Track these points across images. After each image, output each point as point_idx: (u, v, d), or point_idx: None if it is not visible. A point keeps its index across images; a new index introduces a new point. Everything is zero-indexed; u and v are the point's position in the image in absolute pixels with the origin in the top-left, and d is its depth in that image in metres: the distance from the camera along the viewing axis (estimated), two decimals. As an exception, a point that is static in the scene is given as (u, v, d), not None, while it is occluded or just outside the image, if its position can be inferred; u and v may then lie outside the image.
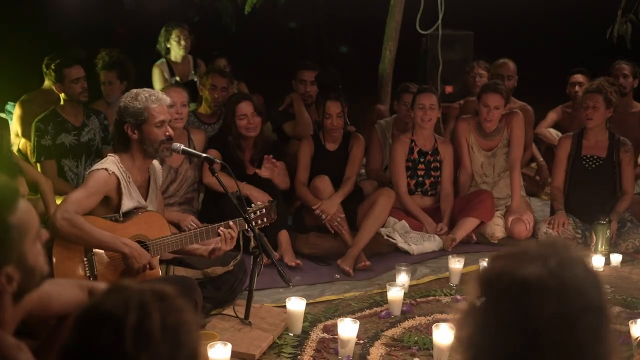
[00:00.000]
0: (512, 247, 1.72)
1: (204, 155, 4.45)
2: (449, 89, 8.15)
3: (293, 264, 5.50)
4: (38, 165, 5.96)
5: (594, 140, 6.22)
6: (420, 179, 6.35)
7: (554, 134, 7.71)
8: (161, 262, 4.33)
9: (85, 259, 3.97)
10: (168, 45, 7.82)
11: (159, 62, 7.83)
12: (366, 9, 9.88)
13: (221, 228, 4.26)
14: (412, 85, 6.93)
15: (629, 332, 4.16)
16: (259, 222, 4.46)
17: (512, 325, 1.56)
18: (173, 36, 7.79)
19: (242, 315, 4.37)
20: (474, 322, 1.62)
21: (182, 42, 7.80)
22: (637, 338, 4.09)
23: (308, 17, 12.51)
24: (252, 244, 4.33)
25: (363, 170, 6.97)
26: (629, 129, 6.98)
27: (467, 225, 6.11)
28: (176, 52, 7.84)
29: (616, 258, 5.67)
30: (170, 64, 7.84)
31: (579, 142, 6.26)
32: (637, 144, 6.98)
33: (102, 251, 4.01)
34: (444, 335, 3.99)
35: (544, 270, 1.58)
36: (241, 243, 4.40)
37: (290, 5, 7.72)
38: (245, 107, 5.92)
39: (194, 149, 5.55)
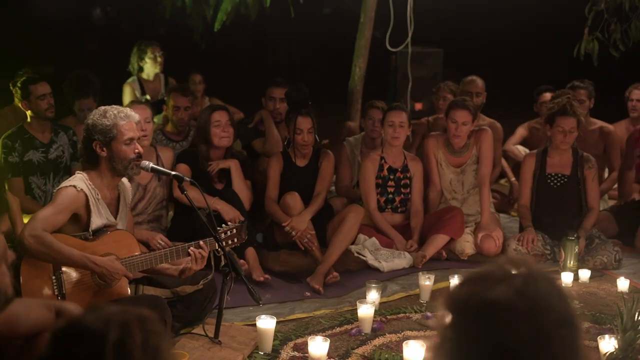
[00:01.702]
0: (476, 270, 1.71)
1: (173, 173, 4.43)
2: (418, 105, 8.20)
3: (262, 278, 5.47)
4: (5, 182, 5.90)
5: (558, 158, 6.28)
6: (390, 195, 6.37)
7: (522, 150, 7.77)
8: (130, 281, 4.29)
9: (53, 277, 3.93)
10: (141, 64, 7.78)
11: (130, 79, 7.80)
12: (336, 26, 9.93)
13: (192, 248, 4.24)
14: (378, 101, 6.96)
15: (597, 347, 4.19)
16: (230, 242, 4.44)
17: (487, 349, 1.56)
18: (148, 54, 7.76)
19: (211, 334, 4.34)
20: (449, 349, 1.62)
21: (159, 59, 7.78)
22: (605, 354, 4.11)
23: (279, 34, 12.54)
24: (222, 262, 4.31)
25: (333, 187, 6.97)
26: (590, 146, 7.05)
27: (437, 242, 6.13)
28: (151, 70, 7.80)
29: (584, 274, 5.71)
30: (141, 82, 7.81)
31: (543, 161, 6.32)
32: (600, 160, 7.06)
33: (71, 269, 3.97)
34: (414, 352, 3.99)
35: (510, 290, 1.58)
36: (212, 262, 4.38)
37: (260, 21, 7.74)
38: (221, 115, 5.94)
39: (162, 166, 5.54)
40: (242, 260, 5.40)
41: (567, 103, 6.11)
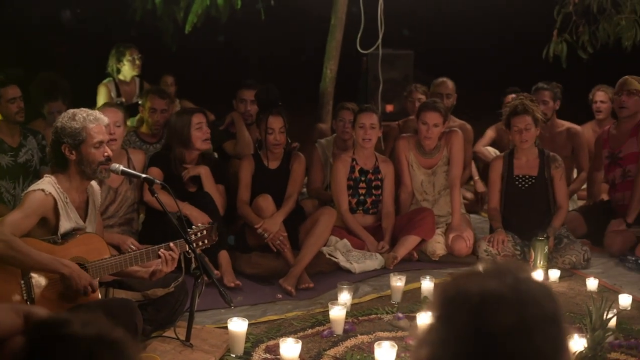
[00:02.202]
0: (468, 268, 1.74)
1: (144, 176, 4.41)
2: (389, 107, 8.21)
3: (233, 284, 5.45)
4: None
5: (525, 159, 6.33)
6: (362, 197, 6.38)
7: (492, 151, 7.82)
8: (100, 284, 4.26)
9: (22, 282, 3.89)
10: (119, 66, 7.73)
11: (106, 80, 7.74)
12: (307, 29, 9.94)
13: (162, 250, 4.23)
14: (349, 103, 6.98)
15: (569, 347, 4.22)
16: (200, 243, 4.43)
17: (471, 337, 1.58)
18: (127, 56, 7.70)
19: (183, 337, 4.32)
20: (434, 338, 1.63)
21: (137, 62, 7.74)
22: (575, 353, 4.15)
23: (250, 37, 12.53)
24: (193, 265, 4.29)
25: (304, 190, 6.98)
26: (558, 147, 7.11)
27: (408, 243, 6.15)
28: (129, 72, 7.75)
29: (554, 274, 5.76)
30: (117, 84, 7.76)
31: (510, 163, 6.37)
32: (568, 161, 7.13)
33: (40, 274, 3.94)
34: (385, 353, 4.01)
35: (501, 284, 1.61)
36: (182, 265, 4.36)
37: (231, 24, 7.73)
38: (200, 118, 5.97)
39: (134, 169, 5.51)
40: (217, 271, 5.40)
41: (519, 103, 6.19)
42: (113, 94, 7.62)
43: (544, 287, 1.67)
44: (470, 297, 1.60)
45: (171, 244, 4.24)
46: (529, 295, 1.61)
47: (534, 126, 6.17)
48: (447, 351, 1.61)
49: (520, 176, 6.33)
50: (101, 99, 7.56)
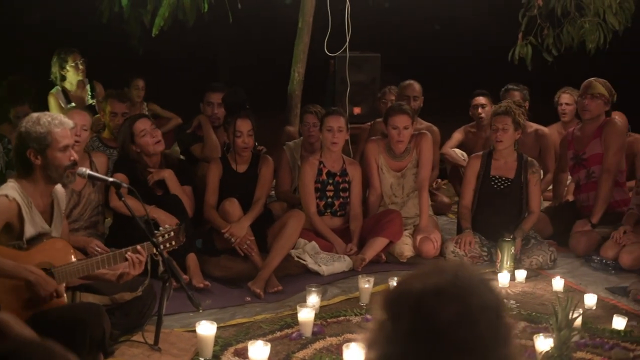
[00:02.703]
0: (412, 270, 1.78)
1: (111, 179, 4.39)
2: (357, 110, 8.24)
3: (201, 285, 5.45)
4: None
5: (503, 161, 6.39)
6: (329, 200, 6.40)
7: (459, 153, 7.88)
8: (67, 288, 4.24)
9: (-13, 289, 3.86)
10: (63, 73, 7.65)
11: (54, 90, 7.62)
12: (275, 32, 9.94)
13: (129, 253, 4.21)
14: (313, 106, 7.00)
15: (534, 346, 4.27)
16: (167, 245, 4.41)
17: (416, 333, 1.61)
18: (69, 62, 7.60)
19: (151, 341, 4.32)
20: (382, 338, 1.66)
21: (80, 67, 7.66)
22: (541, 352, 4.19)
23: (218, 40, 12.50)
24: (161, 268, 4.28)
25: (273, 192, 6.98)
26: (526, 148, 7.18)
27: (376, 245, 6.17)
28: (73, 78, 7.65)
29: (521, 274, 5.81)
30: (65, 92, 7.67)
31: (488, 163, 6.42)
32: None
33: (4, 279, 3.90)
34: (354, 355, 4.02)
35: (441, 279, 1.65)
36: (149, 267, 4.35)
37: (199, 27, 7.69)
38: (143, 123, 5.91)
39: (97, 172, 5.47)
40: (185, 276, 5.38)
41: (505, 104, 6.30)
42: (62, 102, 7.53)
43: (482, 279, 1.71)
44: (412, 295, 1.65)
45: (138, 247, 4.22)
46: (467, 288, 1.66)
47: (512, 128, 6.23)
48: (395, 349, 1.65)
49: (497, 177, 6.38)
50: (52, 109, 7.47)
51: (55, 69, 7.64)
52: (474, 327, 1.61)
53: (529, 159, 6.43)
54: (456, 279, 1.65)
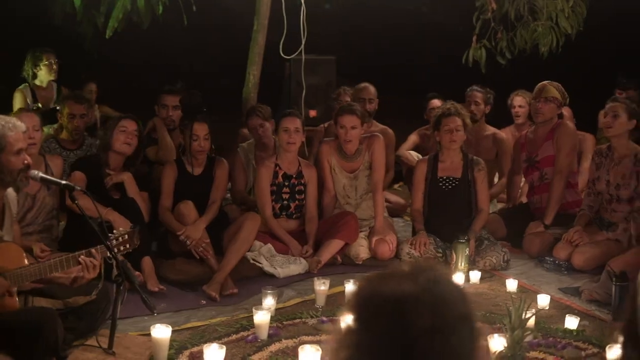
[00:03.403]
0: (381, 269, 1.76)
1: (64, 182, 4.33)
2: (313, 112, 8.25)
3: (156, 289, 5.41)
4: None
5: (449, 161, 6.45)
6: (285, 202, 6.39)
7: (415, 155, 7.92)
8: (20, 292, 4.18)
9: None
10: (36, 71, 7.59)
11: (22, 86, 7.59)
12: (230, 34, 9.91)
13: (82, 256, 4.16)
14: (257, 106, 7.02)
15: (488, 346, 4.30)
16: (122, 248, 4.36)
17: (388, 341, 1.59)
18: (44, 61, 7.56)
19: (105, 346, 4.26)
20: (351, 344, 1.64)
21: (54, 67, 7.61)
22: (495, 352, 4.23)
23: (173, 42, 12.41)
24: (115, 271, 4.24)
25: (228, 195, 6.96)
26: (483, 151, 7.27)
27: (332, 247, 6.18)
28: (45, 77, 7.61)
29: (475, 275, 5.86)
30: (33, 89, 7.61)
31: (434, 165, 6.48)
32: (491, 165, 7.28)
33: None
34: (309, 356, 4.02)
35: (415, 286, 1.62)
36: (102, 271, 4.30)
37: (154, 29, 7.64)
38: (129, 124, 5.91)
39: (52, 175, 5.41)
40: (137, 272, 5.34)
41: (452, 106, 6.36)
42: (29, 100, 7.48)
43: (456, 287, 1.69)
44: (386, 301, 1.62)
45: (92, 250, 4.17)
46: (442, 297, 1.63)
47: (463, 128, 6.31)
48: (365, 354, 1.62)
49: (444, 178, 6.44)
50: (17, 104, 7.42)
51: (28, 67, 7.59)
52: (448, 338, 1.59)
53: (474, 157, 6.51)
54: (431, 285, 1.63)
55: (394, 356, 1.59)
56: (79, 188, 4.31)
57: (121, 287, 4.20)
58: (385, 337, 1.59)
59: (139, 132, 5.99)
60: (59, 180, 4.46)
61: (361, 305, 1.66)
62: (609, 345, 4.25)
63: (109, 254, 4.21)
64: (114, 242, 4.30)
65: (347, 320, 1.66)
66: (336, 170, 6.58)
